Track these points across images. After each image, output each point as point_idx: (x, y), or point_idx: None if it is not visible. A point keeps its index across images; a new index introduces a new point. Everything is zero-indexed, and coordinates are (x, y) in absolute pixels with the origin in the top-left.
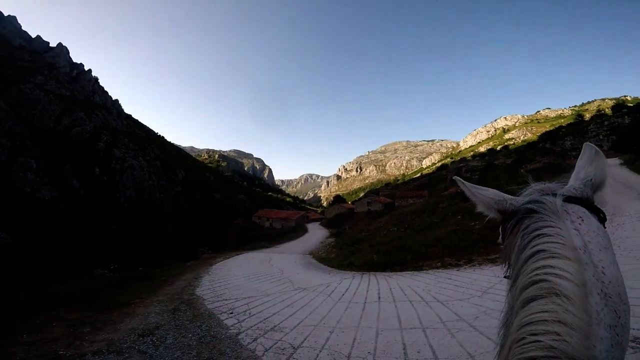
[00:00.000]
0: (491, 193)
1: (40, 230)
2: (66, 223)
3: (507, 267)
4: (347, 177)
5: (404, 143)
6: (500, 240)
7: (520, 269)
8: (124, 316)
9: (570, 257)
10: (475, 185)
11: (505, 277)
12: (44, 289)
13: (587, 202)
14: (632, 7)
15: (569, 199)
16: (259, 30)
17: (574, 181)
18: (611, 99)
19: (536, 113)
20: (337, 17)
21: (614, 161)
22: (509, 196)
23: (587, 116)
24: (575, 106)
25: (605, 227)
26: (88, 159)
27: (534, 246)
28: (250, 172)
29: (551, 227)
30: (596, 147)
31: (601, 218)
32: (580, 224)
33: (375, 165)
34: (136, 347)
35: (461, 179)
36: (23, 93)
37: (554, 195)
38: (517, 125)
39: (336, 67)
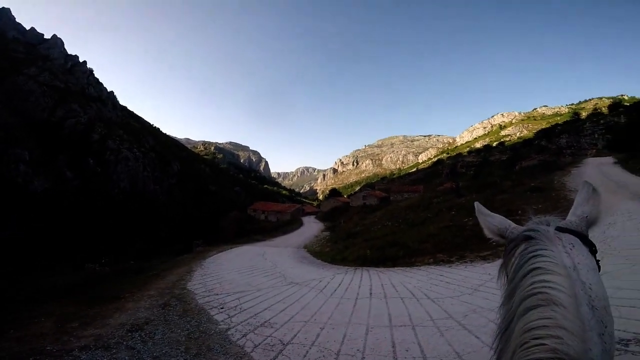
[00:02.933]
0: (497, 220)
1: (32, 223)
2: (58, 215)
3: (503, 284)
4: (344, 171)
5: (401, 137)
6: (501, 261)
7: (518, 284)
8: (113, 311)
9: (562, 274)
10: (487, 212)
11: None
12: (34, 283)
13: (580, 234)
14: (632, 9)
15: (562, 229)
16: (257, 23)
17: (571, 216)
18: (608, 98)
19: (533, 110)
20: (335, 15)
21: (608, 160)
22: (513, 224)
23: (584, 114)
24: (573, 104)
25: (596, 260)
26: (82, 150)
27: (530, 264)
28: (246, 164)
29: (545, 249)
30: (594, 186)
31: (592, 250)
32: (571, 249)
33: (372, 159)
34: (124, 343)
35: (480, 204)
36: (16, 85)
37: (548, 225)
38: (513, 122)
39: (335, 62)
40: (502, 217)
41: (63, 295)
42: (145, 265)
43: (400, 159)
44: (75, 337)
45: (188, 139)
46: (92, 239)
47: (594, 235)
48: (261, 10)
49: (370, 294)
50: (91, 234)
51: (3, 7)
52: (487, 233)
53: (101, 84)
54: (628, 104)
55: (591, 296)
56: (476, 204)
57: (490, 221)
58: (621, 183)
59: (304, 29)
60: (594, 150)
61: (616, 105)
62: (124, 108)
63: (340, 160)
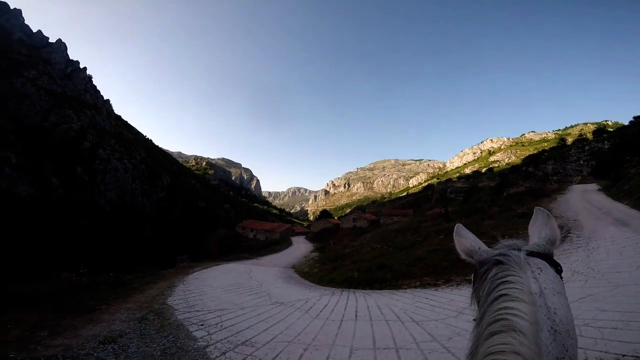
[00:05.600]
0: (468, 242)
1: (10, 227)
2: (40, 221)
3: (476, 307)
4: (335, 193)
5: (392, 161)
6: (472, 283)
7: (486, 309)
8: (86, 322)
9: (526, 301)
10: (462, 234)
11: (474, 320)
12: (4, 290)
13: (547, 256)
14: (617, 37)
15: (531, 254)
16: (256, 39)
17: (536, 239)
18: (593, 124)
19: (521, 136)
20: (329, 34)
21: (593, 187)
22: (482, 247)
23: (570, 140)
24: (559, 130)
25: (562, 278)
26: (71, 157)
27: (499, 291)
28: (237, 181)
29: (514, 275)
30: (547, 212)
31: (558, 270)
32: (539, 273)
33: (363, 182)
34: (95, 354)
35: (461, 226)
36: (13, 87)
37: (519, 250)
38: (502, 147)
39: (329, 84)
40: (474, 238)
41: (34, 303)
42: (126, 278)
43: (392, 183)
44: (43, 346)
45: (180, 152)
46: (73, 248)
47: (579, 259)
48: (263, 19)
49: (356, 316)
50: (73, 242)
51: (15, 8)
52: (461, 254)
53: (98, 91)
54: (611, 130)
55: (555, 320)
56: (457, 226)
57: (463, 242)
58: (605, 209)
59: (304, 43)
60: (579, 177)
61: (600, 131)
62: (119, 117)
63: (332, 182)
